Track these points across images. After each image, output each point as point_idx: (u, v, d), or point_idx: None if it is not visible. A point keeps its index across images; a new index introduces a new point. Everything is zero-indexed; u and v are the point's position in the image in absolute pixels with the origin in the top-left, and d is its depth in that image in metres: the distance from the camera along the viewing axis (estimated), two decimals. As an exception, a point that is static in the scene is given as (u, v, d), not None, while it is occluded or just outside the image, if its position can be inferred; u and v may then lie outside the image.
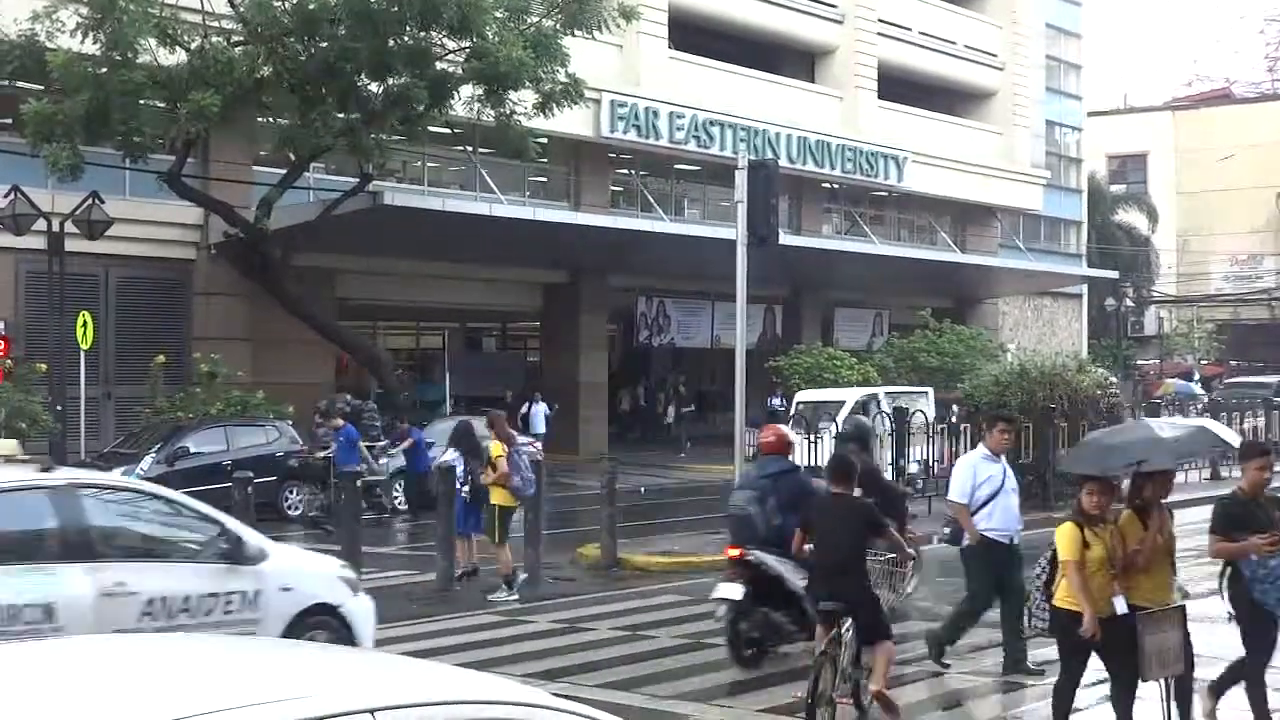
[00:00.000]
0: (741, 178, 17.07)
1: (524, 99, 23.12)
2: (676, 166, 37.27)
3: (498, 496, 15.02)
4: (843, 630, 9.07)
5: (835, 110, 40.64)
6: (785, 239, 20.63)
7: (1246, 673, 8.74)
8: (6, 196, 22.19)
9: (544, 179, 34.46)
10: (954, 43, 45.23)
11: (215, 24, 22.24)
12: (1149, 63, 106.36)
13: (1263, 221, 62.35)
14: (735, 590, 10.91)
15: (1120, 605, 8.04)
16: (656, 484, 27.61)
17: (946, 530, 12.00)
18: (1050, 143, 51.20)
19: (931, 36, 44.19)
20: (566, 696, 5.20)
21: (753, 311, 27.95)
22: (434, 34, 22.00)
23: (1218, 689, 8.92)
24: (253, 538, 9.65)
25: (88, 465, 19.01)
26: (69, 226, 22.60)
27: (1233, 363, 58.33)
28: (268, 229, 24.33)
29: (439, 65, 22.75)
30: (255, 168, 27.25)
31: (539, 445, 25.55)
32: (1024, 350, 37.24)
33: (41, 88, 21.22)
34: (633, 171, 36.28)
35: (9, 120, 23.10)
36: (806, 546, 9.66)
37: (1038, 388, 21.84)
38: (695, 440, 34.26)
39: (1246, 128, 62.75)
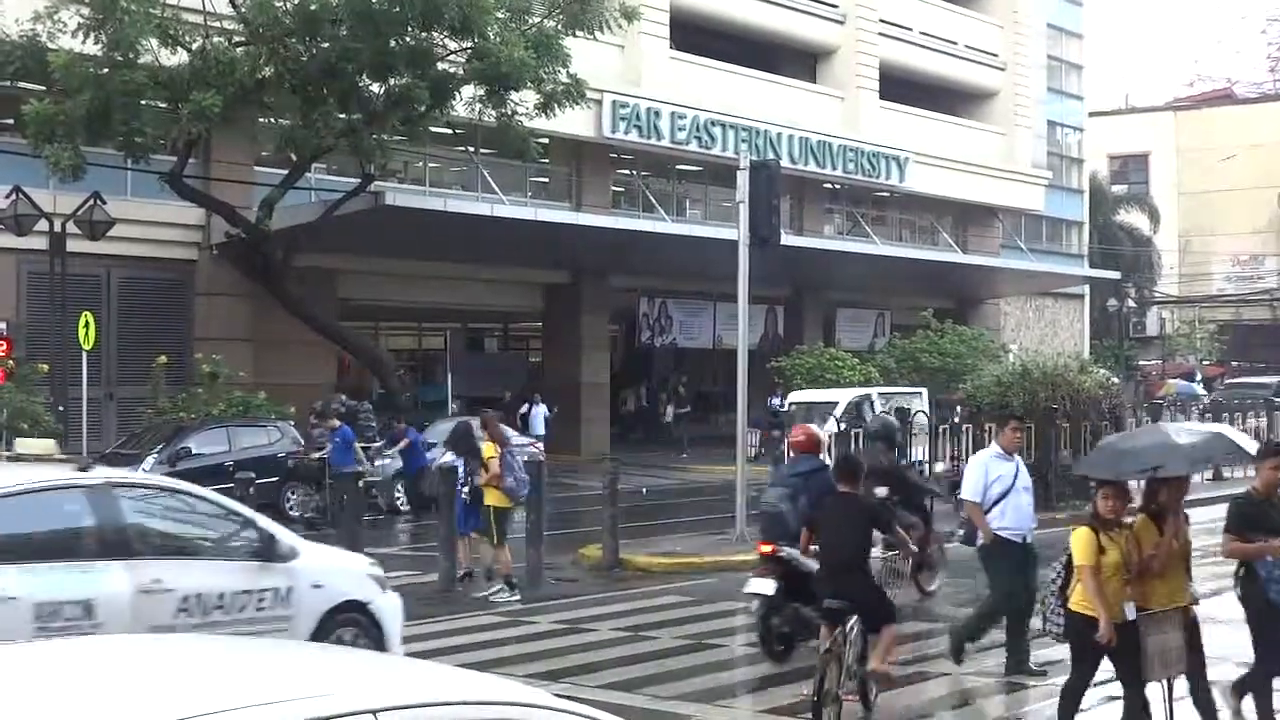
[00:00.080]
0: (743, 178, 17.10)
1: (525, 99, 23.14)
2: (678, 167, 37.27)
3: (492, 498, 14.98)
4: (848, 628, 9.11)
5: (836, 110, 40.63)
6: (787, 239, 20.66)
7: (1250, 679, 8.70)
8: (8, 197, 22.21)
9: (545, 179, 34.45)
10: (955, 43, 45.22)
11: (217, 24, 22.26)
12: (1150, 63, 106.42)
13: (1264, 222, 62.32)
14: (768, 585, 10.99)
15: (1130, 612, 7.99)
16: (658, 485, 27.58)
17: (961, 530, 11.99)
18: (1052, 143, 51.17)
19: (933, 37, 44.18)
20: (568, 697, 5.19)
21: (754, 312, 27.89)
22: (435, 34, 22.02)
23: (1240, 689, 8.84)
24: (284, 535, 9.71)
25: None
26: (71, 227, 22.64)
27: (1234, 363, 58.28)
28: (269, 229, 24.31)
29: (440, 66, 22.77)
30: (257, 168, 27.27)
31: (540, 446, 25.69)
32: (1026, 351, 37.26)
33: (43, 88, 21.23)
34: (634, 172, 36.27)
35: (11, 121, 23.13)
36: (813, 546, 9.69)
37: (1040, 388, 21.83)
38: (694, 441, 34.21)
39: (1248, 128, 62.71)
